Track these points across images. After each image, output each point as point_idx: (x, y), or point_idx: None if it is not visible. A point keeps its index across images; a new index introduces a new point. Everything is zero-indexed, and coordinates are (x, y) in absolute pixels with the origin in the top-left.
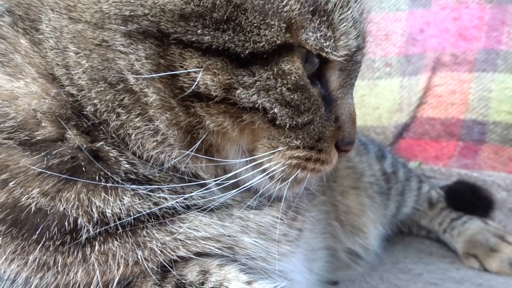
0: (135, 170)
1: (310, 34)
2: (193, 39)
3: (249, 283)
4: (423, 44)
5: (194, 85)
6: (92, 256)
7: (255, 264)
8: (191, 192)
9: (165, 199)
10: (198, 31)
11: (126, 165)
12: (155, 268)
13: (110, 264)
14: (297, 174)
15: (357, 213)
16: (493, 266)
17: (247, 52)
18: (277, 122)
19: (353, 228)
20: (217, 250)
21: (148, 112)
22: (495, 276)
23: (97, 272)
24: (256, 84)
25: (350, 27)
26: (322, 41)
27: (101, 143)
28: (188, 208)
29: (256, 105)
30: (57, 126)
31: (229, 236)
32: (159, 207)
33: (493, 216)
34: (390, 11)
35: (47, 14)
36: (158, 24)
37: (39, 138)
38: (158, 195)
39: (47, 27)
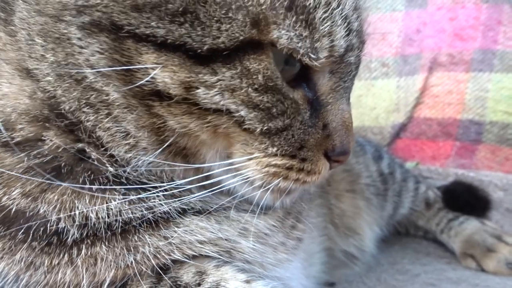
0: (122, 174)
1: (283, 32)
2: (147, 32)
3: (247, 281)
4: (419, 44)
5: (152, 83)
6: (79, 259)
7: (252, 269)
8: (188, 195)
9: (160, 203)
10: (152, 24)
11: (111, 168)
12: (149, 272)
13: (99, 267)
14: (278, 183)
15: (351, 215)
16: (490, 266)
17: (205, 48)
18: (246, 126)
19: (347, 230)
20: (214, 253)
21: (114, 113)
22: (492, 276)
23: (85, 274)
24: (219, 83)
25: (339, 25)
26: (296, 41)
27: (83, 143)
28: (184, 211)
29: (220, 107)
30: (36, 126)
31: (226, 239)
32: (152, 212)
33: (490, 216)
34: (386, 11)
35: (19, 5)
36: (111, 16)
37: (19, 139)
38: (153, 200)
39: (18, 18)
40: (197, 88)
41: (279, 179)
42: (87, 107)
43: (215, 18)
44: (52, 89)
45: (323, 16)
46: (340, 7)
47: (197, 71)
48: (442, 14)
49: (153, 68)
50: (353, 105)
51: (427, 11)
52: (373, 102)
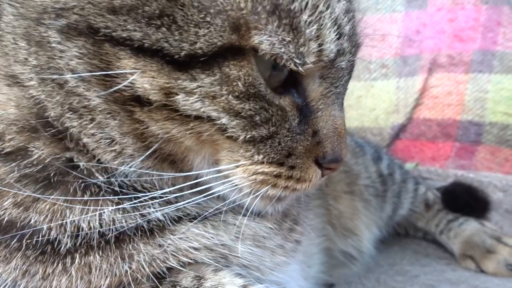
0: (114, 182)
1: (265, 37)
2: (124, 35)
3: (245, 287)
4: (419, 45)
5: (131, 88)
6: (73, 268)
7: (249, 273)
8: (182, 202)
9: (154, 211)
10: (129, 27)
11: (100, 177)
12: (144, 280)
13: (94, 275)
14: (267, 191)
15: (349, 216)
16: (490, 268)
17: (183, 53)
18: (229, 134)
19: (345, 231)
20: (210, 260)
21: (97, 118)
22: (491, 278)
23: (79, 283)
24: (199, 90)
25: (328, 29)
26: (278, 46)
27: (71, 152)
28: (179, 218)
29: (201, 114)
30: (25, 136)
31: (223, 245)
32: (146, 220)
33: (489, 217)
34: (386, 12)
35: (5, 9)
36: (87, 19)
37: (9, 150)
38: (147, 208)
39: (4, 22)
40: (177, 94)
41: (268, 187)
42: (70, 113)
43: (193, 23)
44: (37, 94)
45: (309, 19)
46: (329, 10)
47: (175, 77)
48: (442, 15)
49: (131, 74)
50: (353, 106)
51: (426, 12)
52: (372, 103)
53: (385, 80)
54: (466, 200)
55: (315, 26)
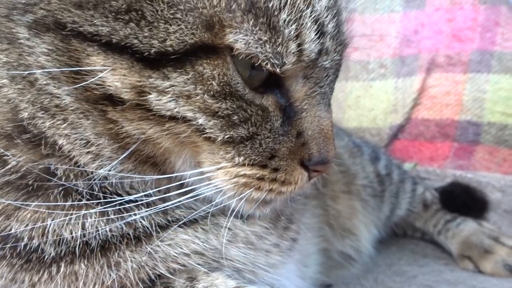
0: (95, 187)
1: (240, 36)
2: (91, 30)
3: None
4: (417, 45)
5: (102, 86)
6: (59, 276)
7: (242, 276)
8: (173, 205)
9: (140, 217)
10: (96, 22)
11: (80, 182)
12: (137, 284)
13: (81, 284)
14: (251, 194)
15: (347, 216)
16: (488, 268)
17: (153, 51)
18: (207, 135)
19: (343, 231)
20: (200, 265)
21: (69, 118)
22: (489, 278)
23: None
24: (171, 89)
25: (308, 28)
26: (254, 46)
27: (49, 159)
28: (168, 223)
29: (175, 114)
30: (2, 143)
31: (213, 248)
32: (134, 228)
33: (487, 217)
34: (384, 12)
35: None
36: (54, 14)
37: None
38: (133, 215)
39: None
40: (149, 93)
41: (251, 190)
42: (42, 112)
43: (163, 19)
44: (9, 92)
45: (288, 18)
46: (310, 9)
47: (147, 75)
48: (440, 15)
49: (101, 71)
50: (351, 106)
51: (425, 12)
52: (371, 103)
53: (384, 80)
54: (464, 200)
55: (294, 26)
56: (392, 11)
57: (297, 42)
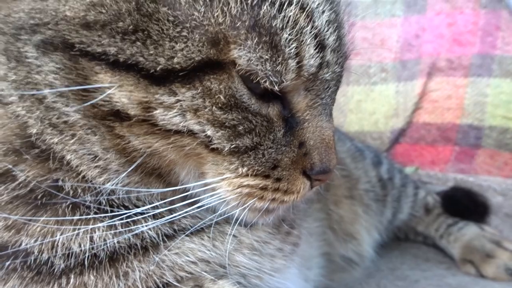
0: (103, 200)
1: (244, 53)
2: (99, 50)
3: None
4: (418, 49)
5: (109, 103)
6: None
7: (248, 281)
8: (180, 216)
9: (147, 227)
10: (103, 42)
11: (88, 196)
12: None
13: None
14: (254, 203)
15: (349, 221)
16: (489, 272)
17: (159, 68)
18: (214, 146)
19: (345, 235)
20: (207, 272)
21: (77, 134)
22: (491, 282)
23: None
24: (178, 104)
25: (308, 44)
26: (255, 63)
27: (57, 173)
28: (174, 233)
29: (181, 128)
30: (10, 158)
31: (220, 255)
32: (141, 239)
33: (489, 221)
34: (385, 17)
35: None
36: (62, 34)
37: None
38: (140, 226)
39: None
40: (155, 109)
41: (254, 199)
42: (51, 128)
43: (168, 37)
44: (18, 110)
45: (289, 37)
46: (310, 25)
47: (152, 92)
48: (441, 20)
49: (108, 88)
50: (353, 110)
51: (426, 16)
52: (372, 107)
53: (385, 84)
54: (465, 204)
55: (294, 44)
56: (393, 15)
57: (296, 60)
